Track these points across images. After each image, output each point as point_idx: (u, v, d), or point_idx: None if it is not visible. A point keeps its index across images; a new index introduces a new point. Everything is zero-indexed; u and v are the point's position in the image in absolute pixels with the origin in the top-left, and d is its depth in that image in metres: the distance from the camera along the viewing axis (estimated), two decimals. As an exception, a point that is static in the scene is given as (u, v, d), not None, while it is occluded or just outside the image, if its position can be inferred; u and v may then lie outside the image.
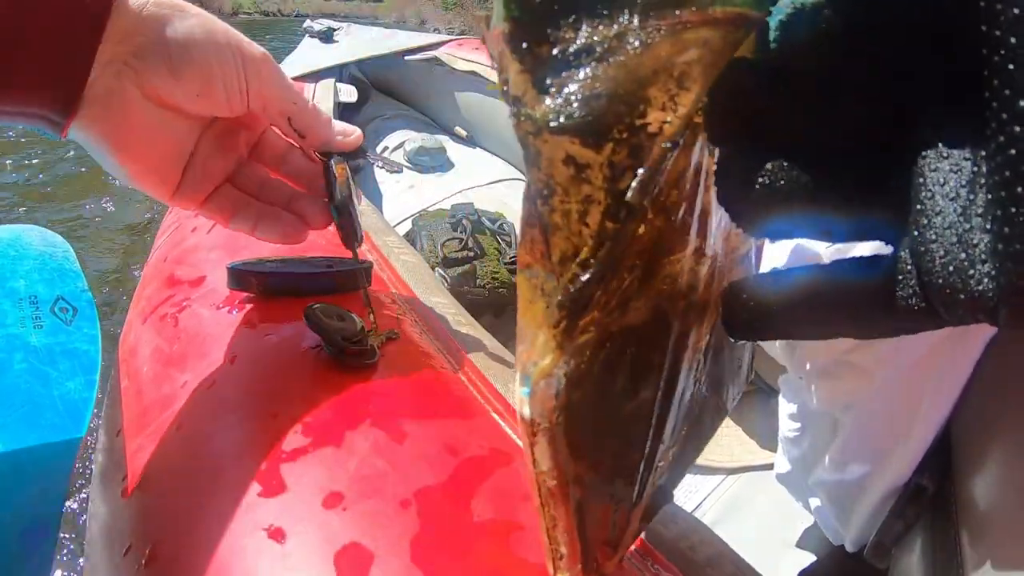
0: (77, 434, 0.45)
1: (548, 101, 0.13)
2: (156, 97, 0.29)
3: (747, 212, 0.15)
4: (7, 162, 2.36)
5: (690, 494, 0.63)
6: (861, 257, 0.14)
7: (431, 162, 1.25)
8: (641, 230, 0.14)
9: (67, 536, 0.83)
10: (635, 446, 0.18)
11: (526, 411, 0.15)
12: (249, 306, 0.38)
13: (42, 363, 0.49)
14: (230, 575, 0.23)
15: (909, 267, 0.13)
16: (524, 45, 0.13)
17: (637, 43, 0.12)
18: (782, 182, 0.14)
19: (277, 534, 0.24)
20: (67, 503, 0.41)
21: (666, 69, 0.13)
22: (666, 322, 0.17)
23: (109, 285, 1.63)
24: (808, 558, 0.51)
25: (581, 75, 0.12)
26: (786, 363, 0.40)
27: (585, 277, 0.13)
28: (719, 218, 0.18)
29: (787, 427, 0.43)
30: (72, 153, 2.41)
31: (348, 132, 0.35)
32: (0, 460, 0.41)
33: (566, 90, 0.12)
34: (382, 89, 1.63)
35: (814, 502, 0.41)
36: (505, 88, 0.13)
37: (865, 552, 0.34)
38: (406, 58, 1.42)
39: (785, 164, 0.14)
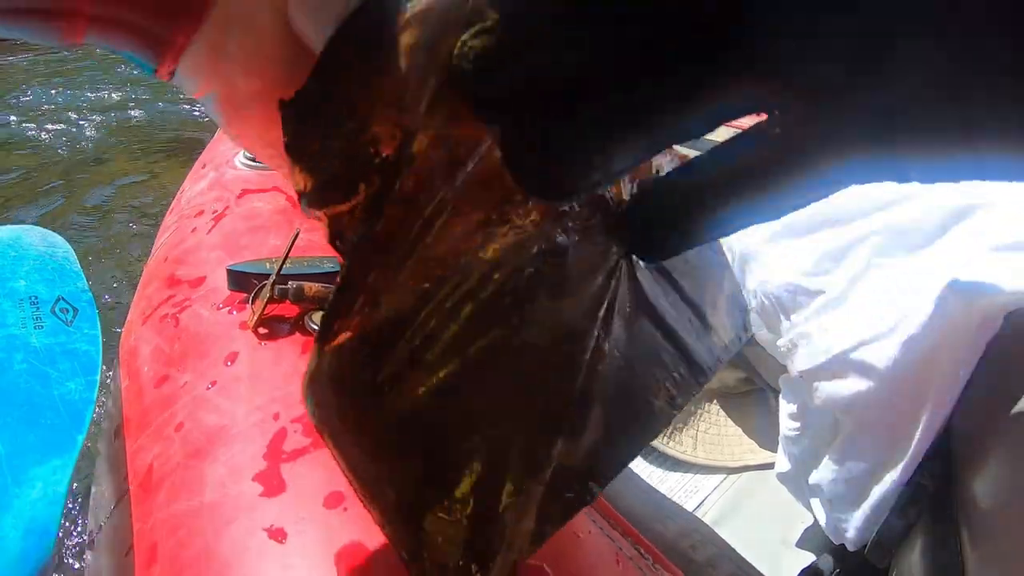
0: (77, 434, 0.45)
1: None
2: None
3: (564, 171, 0.12)
4: (8, 162, 2.36)
5: (690, 494, 0.63)
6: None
7: (431, 162, 1.25)
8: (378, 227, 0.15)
9: (68, 537, 0.83)
10: (452, 444, 0.16)
11: (312, 418, 0.16)
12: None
13: (42, 363, 0.48)
14: (231, 575, 0.23)
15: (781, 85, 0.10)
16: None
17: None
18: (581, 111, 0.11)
19: (278, 534, 0.24)
20: (67, 504, 0.41)
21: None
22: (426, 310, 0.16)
23: (109, 285, 1.63)
24: (809, 557, 0.51)
25: None
26: (786, 362, 0.40)
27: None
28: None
29: (788, 426, 0.43)
30: (72, 152, 2.41)
31: None
32: (0, 460, 0.41)
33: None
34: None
35: (815, 501, 0.41)
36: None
37: (866, 551, 0.34)
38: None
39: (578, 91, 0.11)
